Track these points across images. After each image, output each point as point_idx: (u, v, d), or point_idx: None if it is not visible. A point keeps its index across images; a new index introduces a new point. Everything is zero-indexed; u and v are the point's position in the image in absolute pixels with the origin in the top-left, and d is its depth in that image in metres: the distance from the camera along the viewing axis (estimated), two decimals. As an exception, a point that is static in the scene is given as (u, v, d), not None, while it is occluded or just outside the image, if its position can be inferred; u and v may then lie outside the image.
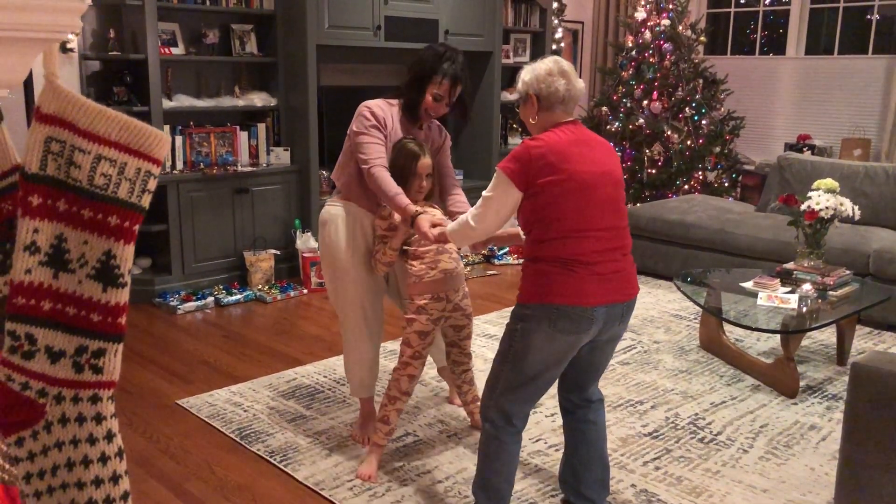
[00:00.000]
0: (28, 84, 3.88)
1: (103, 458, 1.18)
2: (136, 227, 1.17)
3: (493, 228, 2.31)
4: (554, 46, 6.85)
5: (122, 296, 1.17)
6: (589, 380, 2.42)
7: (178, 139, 4.85)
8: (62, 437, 1.17)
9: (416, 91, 2.81)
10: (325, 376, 3.63)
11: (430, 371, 3.69)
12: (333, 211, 2.91)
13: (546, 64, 2.26)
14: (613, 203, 2.21)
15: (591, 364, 2.38)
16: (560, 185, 2.12)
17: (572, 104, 2.27)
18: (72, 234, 1.14)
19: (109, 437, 1.19)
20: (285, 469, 2.78)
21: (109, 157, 1.13)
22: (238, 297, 4.76)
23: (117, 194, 1.14)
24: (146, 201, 1.18)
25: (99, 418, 1.17)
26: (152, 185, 1.17)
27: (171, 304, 4.57)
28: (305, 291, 4.99)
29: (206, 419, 3.18)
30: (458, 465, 2.82)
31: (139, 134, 1.14)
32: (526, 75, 2.29)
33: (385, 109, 2.83)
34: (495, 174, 2.22)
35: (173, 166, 4.84)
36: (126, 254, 1.16)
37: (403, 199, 2.65)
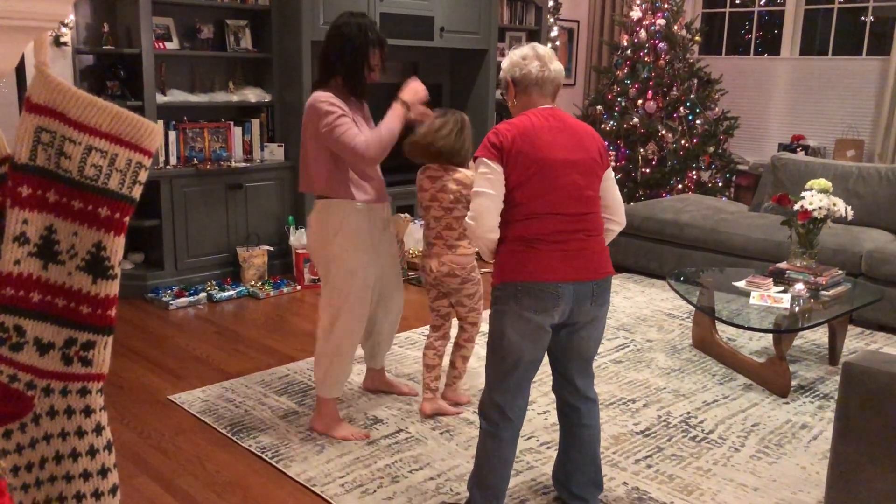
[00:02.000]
0: (20, 74, 3.85)
1: (92, 451, 1.17)
2: (127, 219, 1.16)
3: (496, 219, 2.24)
4: (549, 45, 6.84)
5: (112, 288, 1.16)
6: (576, 370, 2.39)
7: (172, 134, 4.83)
8: (50, 430, 1.16)
9: (357, 69, 2.83)
10: (317, 373, 3.62)
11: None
12: (340, 209, 2.84)
13: (522, 50, 2.34)
14: (578, 191, 2.22)
15: (573, 351, 2.35)
16: (525, 169, 2.18)
17: (549, 86, 2.32)
18: (62, 225, 1.14)
19: (98, 430, 1.18)
20: (277, 465, 2.77)
21: (100, 148, 1.12)
22: (231, 293, 4.74)
23: (108, 185, 1.13)
24: (137, 193, 1.18)
25: (88, 411, 1.17)
26: (143, 176, 1.16)
27: (164, 299, 4.55)
28: (298, 288, 4.98)
29: (197, 415, 3.17)
30: (450, 461, 2.82)
31: (130, 125, 1.14)
32: (504, 62, 2.38)
33: (335, 98, 2.79)
34: (475, 165, 2.26)
35: (167, 161, 4.82)
36: (116, 245, 1.16)
37: (392, 114, 2.83)
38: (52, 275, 1.14)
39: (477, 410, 2.44)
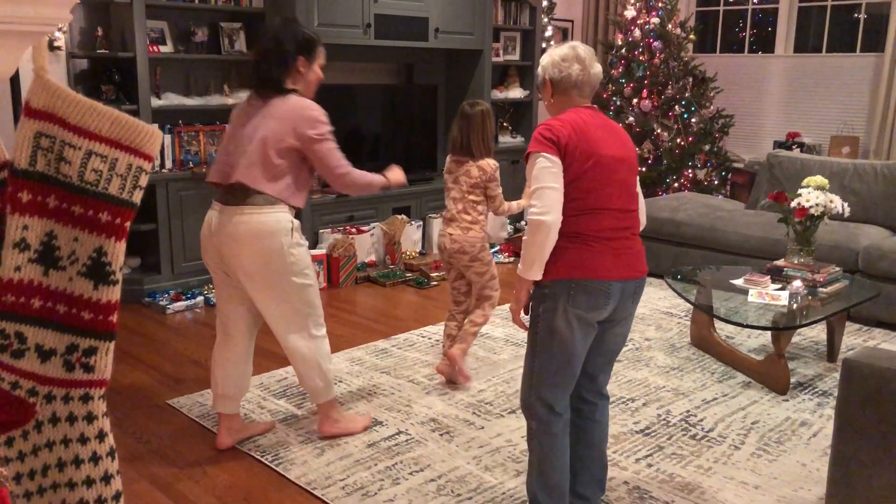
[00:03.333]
0: (15, 80, 3.84)
1: (94, 458, 1.16)
2: (128, 224, 1.16)
3: (559, 213, 2.16)
4: (544, 45, 6.85)
5: (114, 293, 1.16)
6: (601, 365, 2.39)
7: (168, 138, 4.82)
8: (53, 437, 1.15)
9: (311, 74, 2.81)
10: (316, 375, 3.61)
11: (423, 370, 3.68)
12: (287, 218, 2.70)
13: (563, 49, 2.31)
14: (626, 187, 2.25)
15: (604, 346, 2.35)
16: (583, 164, 2.16)
17: (588, 89, 2.31)
18: (62, 230, 1.13)
19: (101, 436, 1.17)
20: (277, 468, 2.76)
21: (100, 153, 1.12)
22: (228, 296, 4.73)
23: (108, 190, 1.13)
24: (138, 198, 1.17)
25: (90, 417, 1.16)
26: (144, 181, 1.15)
27: (161, 303, 4.54)
28: (296, 290, 4.97)
29: (196, 419, 3.16)
30: (450, 463, 2.82)
31: (130, 129, 1.13)
32: (544, 59, 2.34)
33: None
34: (530, 162, 2.19)
35: (162, 165, 4.81)
36: (117, 251, 1.15)
37: (376, 176, 2.90)
38: (53, 281, 1.13)
39: (521, 411, 2.38)
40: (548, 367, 2.26)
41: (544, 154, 2.16)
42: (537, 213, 2.15)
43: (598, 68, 2.31)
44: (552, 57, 2.31)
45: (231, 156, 2.72)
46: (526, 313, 2.31)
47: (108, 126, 1.12)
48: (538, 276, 2.21)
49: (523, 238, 2.24)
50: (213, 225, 2.73)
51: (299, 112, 2.69)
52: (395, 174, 3.00)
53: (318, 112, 2.73)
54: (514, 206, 3.45)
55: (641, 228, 2.39)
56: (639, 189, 2.37)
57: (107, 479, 1.18)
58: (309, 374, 2.87)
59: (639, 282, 2.28)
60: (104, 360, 1.16)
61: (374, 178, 2.91)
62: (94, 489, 1.17)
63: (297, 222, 2.74)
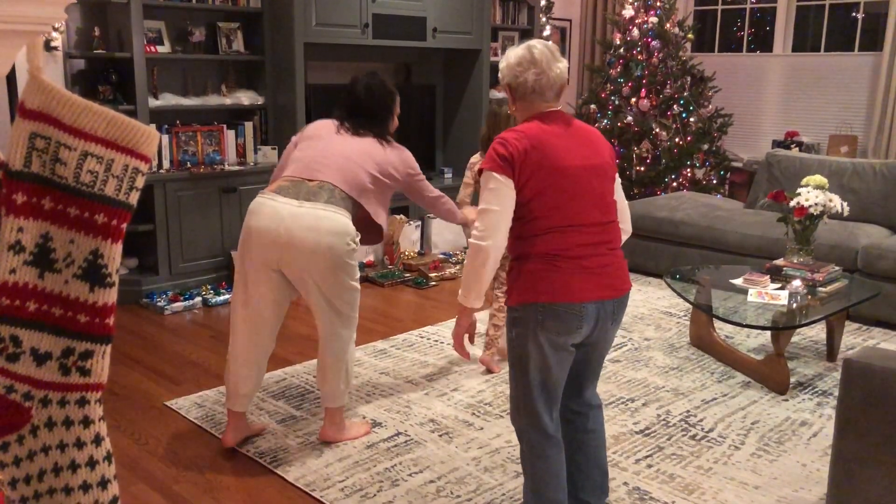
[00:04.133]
0: (11, 79, 3.82)
1: (91, 463, 1.15)
2: (124, 226, 1.15)
3: (506, 238, 2.08)
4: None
5: (110, 296, 1.14)
6: (586, 381, 2.30)
7: (165, 138, 4.80)
8: (49, 442, 1.14)
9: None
10: (314, 376, 3.60)
11: (421, 370, 3.67)
12: (352, 225, 2.81)
13: (517, 51, 2.14)
14: (599, 198, 2.10)
15: (587, 363, 2.26)
16: (542, 180, 2.02)
17: (550, 93, 2.13)
18: (58, 232, 1.12)
19: (97, 440, 1.16)
20: (275, 470, 2.75)
21: (96, 154, 1.10)
22: (226, 296, 4.71)
23: (104, 192, 1.12)
24: (134, 199, 1.16)
25: (87, 422, 1.15)
26: (140, 182, 1.14)
27: (159, 304, 4.53)
28: (294, 291, 4.96)
29: (194, 420, 3.14)
30: (450, 464, 2.81)
31: (127, 130, 1.12)
32: (501, 63, 2.20)
33: None
34: (482, 179, 2.07)
35: (160, 165, 4.80)
36: (113, 253, 1.14)
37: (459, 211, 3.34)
38: (49, 283, 1.12)
39: (513, 427, 2.30)
40: (528, 392, 2.15)
41: (494, 174, 2.03)
42: (477, 237, 2.03)
43: (559, 68, 2.13)
44: (507, 60, 2.16)
45: (327, 158, 2.88)
46: (471, 342, 2.25)
47: (104, 127, 1.10)
48: (478, 304, 2.11)
49: (465, 262, 2.12)
50: (284, 217, 2.71)
51: (406, 163, 3.05)
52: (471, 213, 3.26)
53: (412, 160, 3.08)
54: None
55: (626, 237, 2.26)
56: (619, 195, 2.23)
57: (104, 483, 1.17)
58: (337, 375, 2.88)
59: (618, 301, 2.12)
60: (100, 363, 1.15)
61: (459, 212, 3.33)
62: (91, 494, 1.15)
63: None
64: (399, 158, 2.99)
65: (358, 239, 2.80)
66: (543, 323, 2.04)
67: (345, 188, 2.80)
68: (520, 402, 2.19)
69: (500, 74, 2.21)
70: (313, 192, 2.76)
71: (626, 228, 2.27)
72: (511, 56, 2.16)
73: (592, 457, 2.35)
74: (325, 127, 3.03)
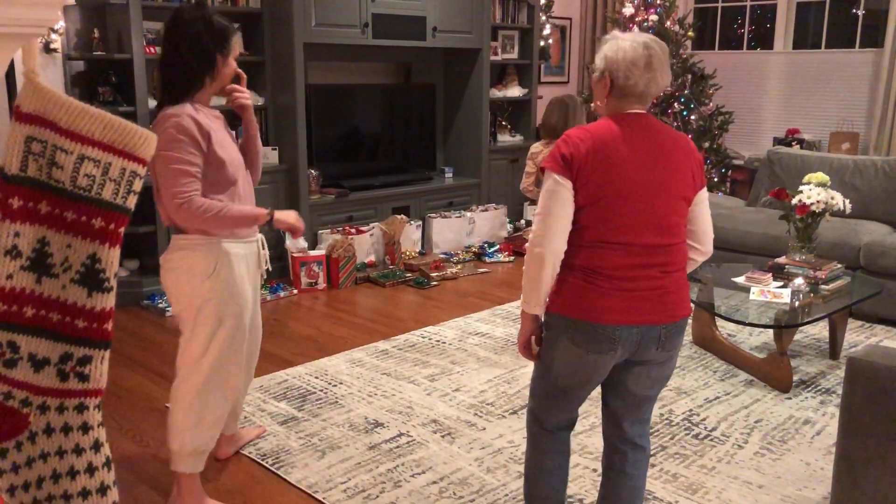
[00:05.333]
0: (10, 82, 3.81)
1: (90, 469, 1.14)
2: (122, 230, 1.14)
3: (563, 245, 1.93)
4: (542, 43, 6.82)
5: (108, 301, 1.13)
6: (624, 411, 2.11)
7: (165, 139, 4.79)
8: (47, 448, 1.13)
9: (222, 67, 2.42)
10: (316, 377, 3.59)
11: (423, 370, 3.66)
12: (223, 249, 2.39)
13: (636, 50, 1.91)
14: (660, 218, 1.91)
15: (625, 388, 2.06)
16: (598, 189, 1.87)
17: (649, 98, 1.98)
18: (55, 237, 1.11)
19: (97, 446, 1.15)
20: (277, 472, 2.74)
21: (93, 157, 1.10)
22: (227, 298, 4.71)
23: (101, 195, 1.11)
24: (131, 202, 1.15)
25: (85, 428, 1.14)
26: (138, 185, 1.13)
27: (160, 306, 4.52)
28: (295, 292, 4.95)
29: (196, 423, 3.13)
30: (452, 465, 2.80)
31: (124, 133, 1.11)
32: (609, 50, 1.95)
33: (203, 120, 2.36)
34: (544, 178, 1.94)
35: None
36: (111, 257, 1.13)
37: (254, 211, 2.44)
38: (46, 288, 1.11)
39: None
40: (542, 389, 2.11)
41: (554, 175, 1.90)
42: (535, 244, 1.92)
43: (667, 78, 1.96)
44: (621, 54, 1.92)
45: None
46: (537, 344, 2.09)
47: (101, 130, 1.10)
48: (539, 311, 2.00)
49: (524, 268, 2.01)
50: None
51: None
52: (289, 221, 2.52)
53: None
54: None
55: (703, 259, 2.09)
56: (701, 215, 2.02)
57: (103, 490, 1.16)
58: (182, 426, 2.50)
59: (667, 327, 1.94)
60: (99, 368, 1.14)
61: (247, 211, 2.45)
62: (90, 501, 1.15)
63: None
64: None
65: (202, 269, 2.38)
66: (573, 338, 1.95)
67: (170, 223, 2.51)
68: (535, 394, 2.15)
69: (602, 62, 1.97)
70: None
71: (704, 250, 2.09)
72: (627, 52, 1.92)
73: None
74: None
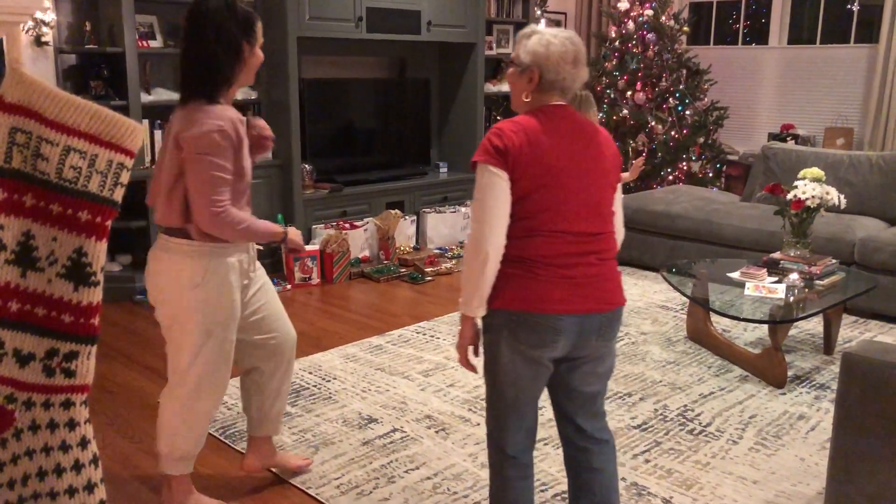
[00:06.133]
0: None
1: (77, 466, 1.12)
2: (109, 223, 1.12)
3: (503, 238, 1.90)
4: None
5: (95, 295, 1.12)
6: (575, 409, 2.07)
7: (158, 133, 4.76)
8: (33, 445, 1.11)
9: (249, 57, 2.28)
10: (310, 373, 3.58)
11: (418, 366, 3.65)
12: (214, 257, 2.27)
13: (564, 45, 1.92)
14: (595, 206, 1.93)
15: (572, 388, 2.04)
16: (534, 180, 1.86)
17: (571, 93, 1.99)
18: (40, 230, 1.09)
19: (83, 443, 1.13)
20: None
21: (79, 149, 1.07)
22: (220, 293, 4.68)
23: (88, 188, 1.09)
24: (119, 195, 1.13)
25: (72, 424, 1.12)
26: (125, 178, 1.11)
27: (152, 301, 4.49)
28: (289, 287, 4.93)
29: (188, 418, 3.11)
30: (446, 460, 2.79)
31: (110, 124, 1.09)
32: (537, 45, 1.93)
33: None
34: (477, 173, 1.90)
35: (153, 160, 4.76)
36: (98, 251, 1.11)
37: (271, 228, 2.37)
38: (31, 283, 1.09)
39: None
40: (495, 405, 2.02)
41: (490, 167, 1.86)
42: (477, 240, 1.86)
43: (585, 73, 2.00)
44: (551, 49, 1.91)
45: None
46: (476, 354, 2.02)
47: (87, 120, 1.07)
48: (480, 312, 1.93)
49: (463, 268, 1.93)
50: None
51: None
52: (296, 241, 2.50)
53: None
54: (625, 175, 3.42)
55: (618, 247, 2.08)
56: (617, 205, 2.05)
57: (90, 487, 1.14)
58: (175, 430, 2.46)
59: (606, 315, 1.94)
60: (86, 364, 1.12)
61: (265, 227, 2.37)
62: (76, 498, 1.13)
63: None
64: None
65: (190, 276, 2.28)
66: (516, 333, 1.90)
67: (165, 223, 2.36)
68: (490, 415, 2.07)
69: (529, 57, 1.94)
70: None
71: (619, 238, 2.10)
72: (555, 47, 1.92)
73: (600, 501, 2.09)
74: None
